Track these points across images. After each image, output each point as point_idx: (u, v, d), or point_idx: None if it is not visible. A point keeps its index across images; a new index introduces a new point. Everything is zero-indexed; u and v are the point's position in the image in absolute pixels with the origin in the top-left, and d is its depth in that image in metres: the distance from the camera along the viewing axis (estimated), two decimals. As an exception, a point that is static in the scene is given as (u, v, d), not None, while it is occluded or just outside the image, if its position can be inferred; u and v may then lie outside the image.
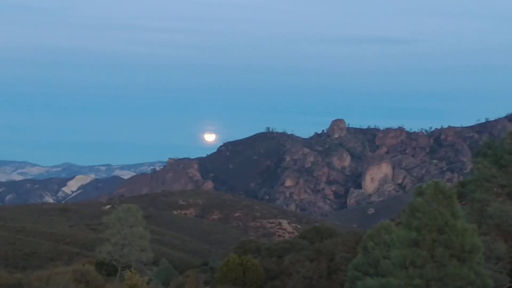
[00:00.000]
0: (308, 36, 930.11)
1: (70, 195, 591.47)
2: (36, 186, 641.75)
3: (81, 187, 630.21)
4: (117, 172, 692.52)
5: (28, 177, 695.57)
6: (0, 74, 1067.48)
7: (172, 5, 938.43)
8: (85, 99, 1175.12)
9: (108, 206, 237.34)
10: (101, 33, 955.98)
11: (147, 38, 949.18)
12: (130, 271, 30.41)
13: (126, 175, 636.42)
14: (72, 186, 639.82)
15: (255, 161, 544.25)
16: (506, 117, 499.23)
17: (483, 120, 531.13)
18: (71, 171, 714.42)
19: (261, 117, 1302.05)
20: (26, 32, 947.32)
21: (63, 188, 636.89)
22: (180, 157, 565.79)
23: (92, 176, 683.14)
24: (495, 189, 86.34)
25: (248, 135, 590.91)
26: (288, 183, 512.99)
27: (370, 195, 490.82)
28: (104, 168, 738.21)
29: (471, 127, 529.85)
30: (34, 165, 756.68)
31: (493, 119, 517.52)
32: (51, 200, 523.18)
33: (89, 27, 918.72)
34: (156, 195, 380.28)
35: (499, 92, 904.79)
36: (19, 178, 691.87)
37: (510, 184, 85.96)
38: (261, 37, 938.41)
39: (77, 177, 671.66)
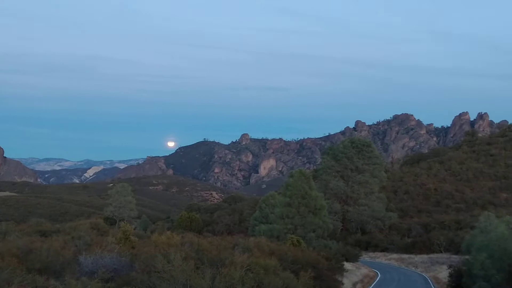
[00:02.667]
0: (225, 86, 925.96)
1: (88, 178, 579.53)
2: (69, 173, 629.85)
3: (95, 173, 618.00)
4: (117, 164, 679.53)
5: (64, 167, 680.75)
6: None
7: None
8: (94, 118, 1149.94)
9: (111, 185, 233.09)
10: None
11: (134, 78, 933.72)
12: (124, 222, 29.98)
13: (122, 166, 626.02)
14: (90, 173, 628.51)
15: (197, 158, 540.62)
16: (340, 132, 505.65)
17: (327, 134, 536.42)
18: (89, 164, 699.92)
19: (201, 132, 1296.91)
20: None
21: (85, 174, 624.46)
22: (153, 155, 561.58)
23: (101, 167, 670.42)
24: (333, 173, 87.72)
25: (193, 142, 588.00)
26: (216, 170, 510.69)
27: (263, 177, 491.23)
28: (109, 162, 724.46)
29: (320, 138, 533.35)
30: (67, 160, 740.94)
31: (333, 133, 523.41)
32: (77, 181, 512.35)
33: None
34: (140, 177, 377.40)
35: (338, 117, 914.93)
36: (58, 168, 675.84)
37: (342, 170, 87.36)
38: (205, 86, 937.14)
39: (93, 167, 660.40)
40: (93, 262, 19.94)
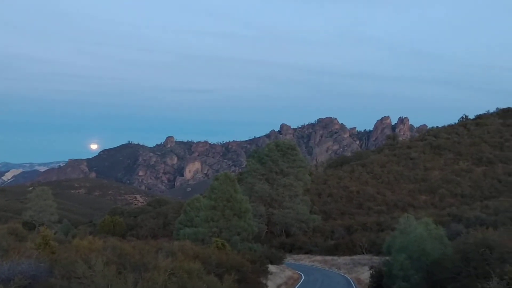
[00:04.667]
0: (149, 88, 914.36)
1: (6, 181, 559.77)
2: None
3: (14, 177, 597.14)
4: (37, 167, 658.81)
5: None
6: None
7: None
8: (12, 119, 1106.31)
9: (30, 188, 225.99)
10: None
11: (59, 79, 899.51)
12: (43, 226, 29.22)
13: (43, 169, 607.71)
14: (8, 176, 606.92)
15: (121, 160, 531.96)
16: (265, 135, 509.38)
17: (252, 137, 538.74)
18: (7, 167, 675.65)
19: (125, 134, 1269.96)
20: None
21: (2, 177, 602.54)
22: (76, 158, 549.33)
23: (20, 170, 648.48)
24: (259, 176, 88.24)
25: (117, 145, 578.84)
26: (141, 173, 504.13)
27: (188, 180, 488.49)
28: (28, 164, 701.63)
29: (246, 141, 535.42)
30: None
31: (258, 136, 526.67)
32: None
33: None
34: (61, 181, 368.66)
35: (263, 120, 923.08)
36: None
37: (267, 173, 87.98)
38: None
39: (11, 170, 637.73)
40: (10, 269, 19.29)
